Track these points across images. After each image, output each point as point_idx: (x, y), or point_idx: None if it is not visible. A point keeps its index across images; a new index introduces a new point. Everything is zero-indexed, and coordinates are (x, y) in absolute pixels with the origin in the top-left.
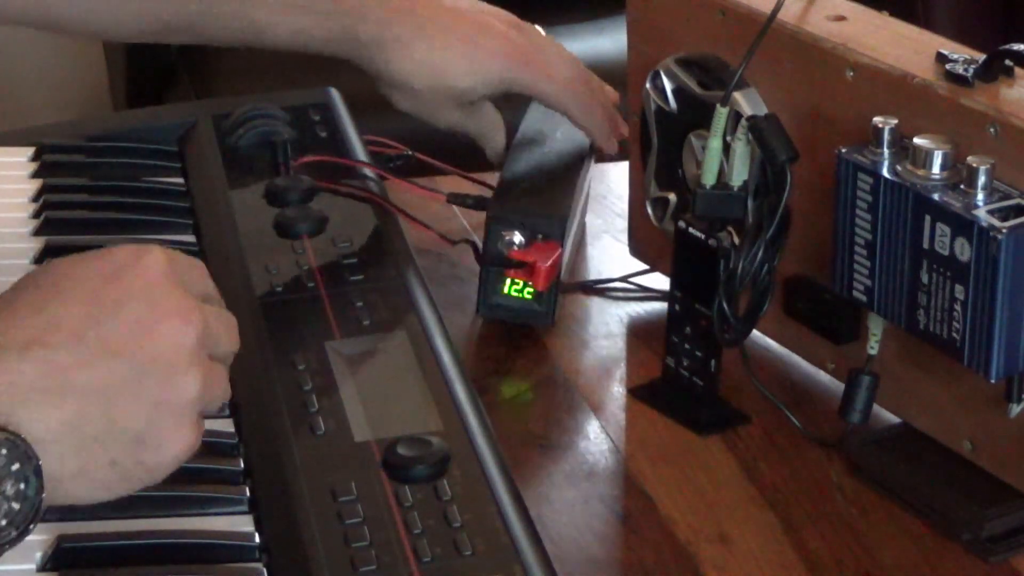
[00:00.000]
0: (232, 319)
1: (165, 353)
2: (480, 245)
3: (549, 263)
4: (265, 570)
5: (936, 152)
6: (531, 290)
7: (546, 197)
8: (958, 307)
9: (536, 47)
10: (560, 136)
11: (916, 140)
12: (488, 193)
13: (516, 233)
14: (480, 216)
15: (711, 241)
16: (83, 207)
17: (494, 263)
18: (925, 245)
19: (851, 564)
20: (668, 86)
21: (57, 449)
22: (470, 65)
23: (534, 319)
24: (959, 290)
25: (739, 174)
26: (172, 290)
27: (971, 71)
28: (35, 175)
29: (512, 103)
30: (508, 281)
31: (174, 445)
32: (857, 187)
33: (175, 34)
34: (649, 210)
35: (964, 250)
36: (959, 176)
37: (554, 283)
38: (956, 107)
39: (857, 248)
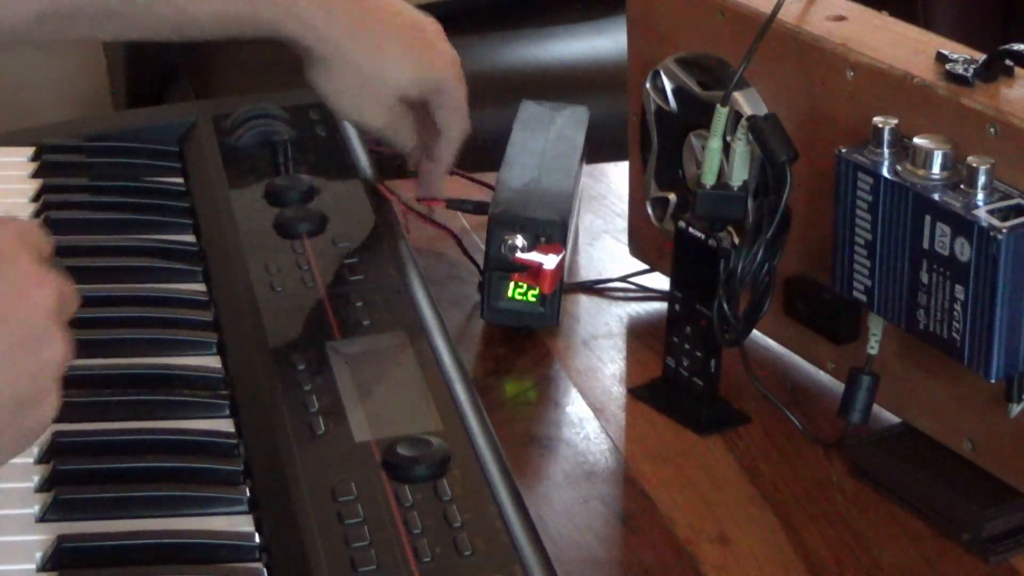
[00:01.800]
0: (69, 278)
1: (33, 322)
2: (461, 241)
3: (555, 265)
4: (265, 570)
5: (936, 152)
6: (535, 293)
7: (546, 199)
8: (958, 307)
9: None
10: (553, 136)
11: (916, 140)
12: (487, 195)
13: (519, 236)
14: (478, 217)
15: (711, 241)
16: (83, 207)
17: (497, 268)
18: (925, 245)
19: (851, 564)
20: (668, 86)
21: None
22: (413, 61)
23: (539, 321)
24: (959, 290)
25: (739, 174)
26: (27, 261)
27: (971, 71)
28: (35, 175)
29: (504, 104)
30: (512, 285)
31: (47, 408)
32: (857, 187)
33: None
34: (649, 210)
35: (964, 250)
36: (959, 176)
37: (558, 284)
38: (956, 107)
39: (857, 248)
